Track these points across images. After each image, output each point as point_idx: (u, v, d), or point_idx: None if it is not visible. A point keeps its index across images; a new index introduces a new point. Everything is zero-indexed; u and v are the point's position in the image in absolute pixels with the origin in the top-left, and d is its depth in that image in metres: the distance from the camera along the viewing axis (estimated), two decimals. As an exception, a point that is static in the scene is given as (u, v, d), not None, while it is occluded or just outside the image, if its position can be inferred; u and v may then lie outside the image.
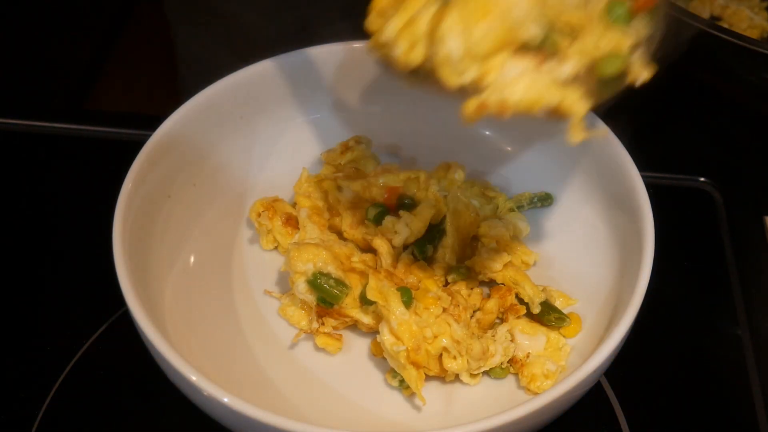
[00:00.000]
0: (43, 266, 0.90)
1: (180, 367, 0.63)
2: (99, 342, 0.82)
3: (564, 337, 0.78)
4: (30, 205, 0.97)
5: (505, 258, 0.81)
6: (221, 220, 0.86)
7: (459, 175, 0.89)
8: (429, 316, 0.73)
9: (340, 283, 0.77)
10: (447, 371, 0.73)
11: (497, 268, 0.81)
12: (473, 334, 0.74)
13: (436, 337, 0.72)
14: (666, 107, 1.13)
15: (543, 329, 0.78)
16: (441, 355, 0.73)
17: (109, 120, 1.05)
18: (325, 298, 0.76)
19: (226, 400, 0.61)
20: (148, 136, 0.78)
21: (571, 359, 0.76)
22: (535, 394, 0.74)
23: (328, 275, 0.77)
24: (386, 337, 0.72)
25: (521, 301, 0.79)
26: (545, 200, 0.88)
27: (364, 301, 0.75)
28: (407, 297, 0.73)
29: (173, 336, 0.74)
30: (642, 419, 0.79)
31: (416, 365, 0.72)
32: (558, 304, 0.79)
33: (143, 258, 0.75)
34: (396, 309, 0.72)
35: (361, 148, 0.89)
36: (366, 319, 0.76)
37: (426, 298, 0.74)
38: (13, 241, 0.93)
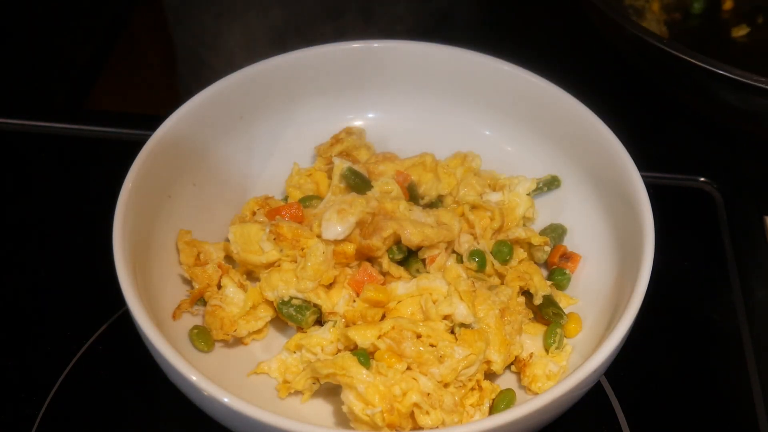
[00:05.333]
0: (43, 266, 0.90)
1: (180, 367, 0.63)
2: (99, 342, 0.82)
3: (565, 336, 0.78)
4: (30, 205, 0.97)
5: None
6: (221, 220, 0.86)
7: (477, 163, 0.89)
8: (394, 374, 0.69)
9: (300, 309, 0.76)
10: (422, 428, 0.69)
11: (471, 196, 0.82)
12: (444, 385, 0.71)
13: (405, 393, 0.68)
14: (666, 107, 1.13)
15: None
16: (413, 412, 0.69)
17: (109, 120, 1.05)
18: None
19: (226, 400, 0.61)
20: (148, 136, 0.78)
21: (572, 359, 0.76)
22: (536, 394, 0.74)
23: (288, 302, 0.76)
24: (354, 405, 0.68)
25: (527, 293, 0.80)
26: (552, 184, 0.88)
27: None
28: (364, 357, 0.70)
29: (173, 336, 0.74)
30: (642, 419, 0.79)
31: (392, 427, 0.68)
32: (559, 303, 0.79)
33: (143, 258, 0.75)
34: (358, 373, 0.68)
35: (353, 138, 0.89)
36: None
37: (389, 357, 0.70)
38: (13, 241, 0.93)
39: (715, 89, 1.01)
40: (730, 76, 0.96)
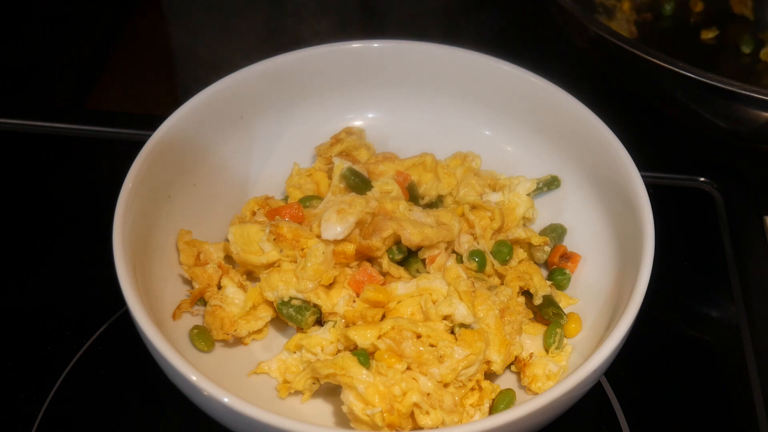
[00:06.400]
0: (43, 266, 0.90)
1: (180, 367, 0.63)
2: (99, 342, 0.82)
3: (565, 336, 0.78)
4: (31, 205, 0.97)
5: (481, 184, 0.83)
6: (221, 220, 0.86)
7: (477, 163, 0.89)
8: (394, 374, 0.69)
9: (300, 309, 0.76)
10: (422, 428, 0.69)
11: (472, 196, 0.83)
12: (444, 385, 0.71)
13: (404, 394, 0.68)
14: (666, 107, 1.13)
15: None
16: (413, 412, 0.69)
17: (109, 120, 1.05)
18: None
19: (226, 400, 0.61)
20: (148, 136, 0.78)
21: (572, 359, 0.76)
22: (536, 394, 0.74)
23: (288, 303, 0.76)
24: (354, 405, 0.68)
25: (527, 293, 0.80)
26: (551, 184, 0.88)
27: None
28: (364, 357, 0.70)
29: (173, 336, 0.74)
30: (642, 419, 0.79)
31: (392, 427, 0.68)
32: (559, 303, 0.79)
33: (143, 258, 0.75)
34: (358, 373, 0.68)
35: (353, 138, 0.89)
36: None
37: (389, 357, 0.70)
38: (13, 241, 0.93)
39: (677, 90, 1.00)
40: (693, 76, 0.95)
